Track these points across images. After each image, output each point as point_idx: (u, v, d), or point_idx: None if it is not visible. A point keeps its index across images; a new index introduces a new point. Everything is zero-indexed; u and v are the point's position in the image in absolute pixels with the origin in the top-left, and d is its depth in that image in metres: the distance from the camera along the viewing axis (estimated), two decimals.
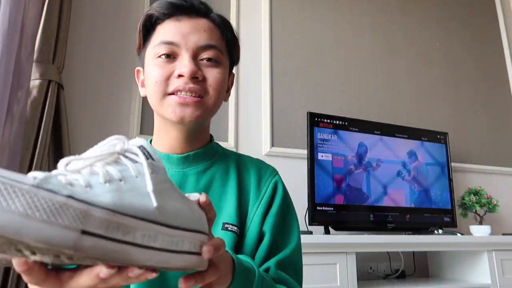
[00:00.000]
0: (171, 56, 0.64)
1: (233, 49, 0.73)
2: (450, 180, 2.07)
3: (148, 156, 0.38)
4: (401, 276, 1.94)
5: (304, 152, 1.80)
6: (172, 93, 0.63)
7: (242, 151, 1.82)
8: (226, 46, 0.70)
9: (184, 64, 0.63)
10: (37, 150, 1.39)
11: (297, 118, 1.99)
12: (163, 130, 0.68)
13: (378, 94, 2.25)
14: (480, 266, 1.80)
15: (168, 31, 0.65)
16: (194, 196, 0.42)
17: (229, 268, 0.49)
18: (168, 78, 0.63)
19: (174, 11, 0.66)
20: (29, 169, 1.35)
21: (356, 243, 1.53)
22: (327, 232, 1.69)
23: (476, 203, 2.05)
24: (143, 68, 0.70)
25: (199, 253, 0.38)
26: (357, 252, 1.56)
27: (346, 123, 1.87)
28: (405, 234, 1.82)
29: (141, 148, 0.38)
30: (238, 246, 0.66)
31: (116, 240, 0.30)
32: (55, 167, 0.35)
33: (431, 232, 1.90)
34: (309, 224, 1.66)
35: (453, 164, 2.20)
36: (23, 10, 1.32)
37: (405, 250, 1.88)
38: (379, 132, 1.94)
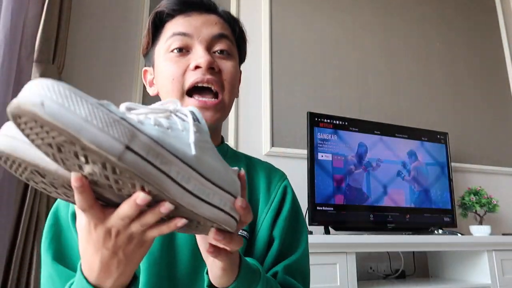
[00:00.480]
0: (183, 50, 0.63)
1: (242, 45, 0.73)
2: (450, 180, 2.07)
3: (195, 119, 0.42)
4: (401, 276, 1.94)
5: (304, 152, 1.80)
6: (191, 93, 0.62)
7: (242, 151, 1.81)
8: (236, 40, 0.71)
9: (200, 55, 0.62)
10: None
11: (297, 118, 1.99)
12: None
13: (378, 94, 2.25)
14: (480, 266, 1.80)
15: (180, 24, 0.65)
16: (235, 168, 0.45)
17: (236, 263, 0.49)
18: (184, 72, 0.62)
19: (183, 7, 0.66)
20: None
21: (356, 243, 1.53)
22: (327, 232, 1.69)
23: (476, 203, 2.05)
24: (152, 67, 0.69)
25: (228, 213, 0.41)
26: (357, 252, 1.56)
27: (346, 123, 1.87)
28: (405, 234, 1.82)
29: (191, 112, 0.42)
30: (248, 250, 0.66)
31: (153, 165, 0.34)
32: None
33: (431, 232, 1.90)
34: (309, 224, 1.66)
35: (453, 164, 2.20)
36: (24, 10, 1.32)
37: (405, 250, 1.88)
38: (379, 132, 1.94)
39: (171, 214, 0.39)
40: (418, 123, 2.25)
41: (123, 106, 0.38)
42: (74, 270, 0.55)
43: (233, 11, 2.02)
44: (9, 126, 0.38)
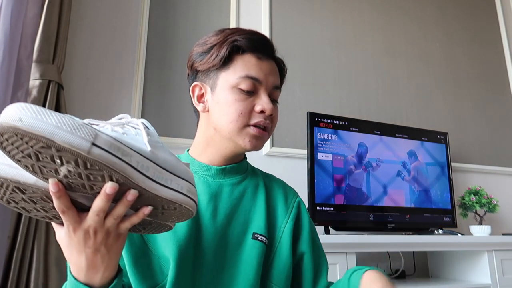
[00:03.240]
0: (250, 92, 0.73)
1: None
2: (450, 180, 2.07)
3: (146, 127, 0.51)
4: (401, 276, 1.93)
5: (304, 152, 1.80)
6: (252, 125, 0.73)
7: None
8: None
9: (266, 102, 0.73)
10: None
11: (297, 118, 1.99)
12: (214, 147, 0.76)
13: (378, 94, 2.25)
14: (480, 266, 1.80)
15: (252, 66, 0.73)
16: (186, 163, 0.55)
17: None
18: (250, 112, 0.72)
19: (256, 48, 0.74)
20: None
21: (356, 243, 1.53)
22: (327, 232, 1.69)
23: (476, 203, 2.05)
24: (209, 86, 0.76)
25: (185, 195, 0.49)
26: (357, 252, 1.56)
27: (346, 123, 1.87)
28: (405, 234, 1.82)
29: (142, 122, 0.51)
30: (268, 255, 0.75)
31: (116, 156, 0.42)
32: None
33: (431, 232, 1.90)
34: None
35: (453, 164, 2.20)
36: (24, 10, 1.32)
37: (405, 250, 1.88)
38: (379, 132, 1.94)
39: (138, 205, 0.47)
40: (418, 123, 2.25)
41: (86, 121, 0.46)
42: None
43: (233, 11, 2.02)
44: None
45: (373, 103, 2.22)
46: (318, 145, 1.76)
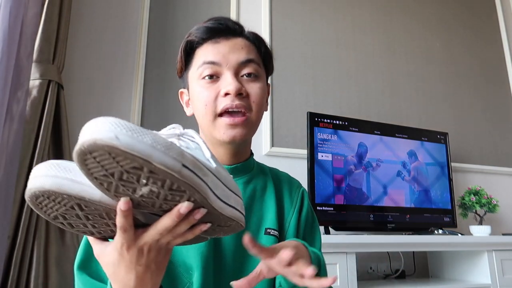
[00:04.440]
0: (214, 77, 0.69)
1: (269, 62, 0.78)
2: (450, 180, 2.06)
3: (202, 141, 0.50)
4: (401, 276, 1.93)
5: (304, 152, 1.80)
6: (221, 114, 0.68)
7: None
8: (262, 60, 0.76)
9: (228, 82, 0.68)
10: (37, 150, 1.39)
11: (297, 118, 1.99)
12: (210, 145, 0.73)
13: (378, 94, 2.25)
14: (480, 266, 1.80)
15: (209, 52, 0.70)
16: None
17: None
18: (215, 98, 0.68)
19: (211, 35, 0.71)
20: (29, 169, 1.35)
21: (356, 243, 1.53)
22: (327, 232, 1.69)
23: (476, 203, 2.04)
24: (187, 89, 0.75)
25: (239, 211, 0.48)
26: (357, 252, 1.56)
27: (346, 123, 1.87)
28: (405, 234, 1.82)
29: (195, 133, 0.50)
30: None
31: (199, 177, 0.41)
32: None
33: (431, 232, 1.90)
34: None
35: (453, 164, 2.20)
36: (23, 9, 1.32)
37: (405, 250, 1.88)
38: (379, 132, 1.94)
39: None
40: (418, 123, 2.25)
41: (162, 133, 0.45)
42: (97, 278, 0.63)
43: (233, 11, 2.02)
44: (43, 167, 0.42)
45: (373, 103, 2.22)
46: (318, 145, 1.76)
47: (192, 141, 0.47)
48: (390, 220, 1.85)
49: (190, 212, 0.43)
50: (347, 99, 2.15)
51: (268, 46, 0.79)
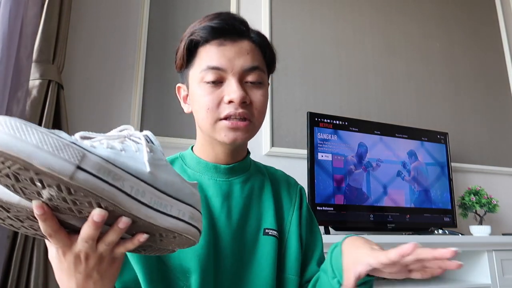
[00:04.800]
0: (217, 82, 0.67)
1: (272, 64, 0.77)
2: (450, 180, 2.06)
3: (149, 141, 0.46)
4: None
5: (304, 152, 1.80)
6: (224, 118, 0.67)
7: None
8: (266, 64, 0.74)
9: (233, 90, 0.66)
10: None
11: (297, 118, 1.99)
12: (209, 146, 0.73)
13: (378, 94, 2.25)
14: (480, 266, 1.80)
15: (213, 55, 0.67)
16: (194, 182, 0.50)
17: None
18: (218, 104, 0.67)
19: (217, 35, 0.68)
20: None
21: None
22: (327, 232, 1.69)
23: (476, 203, 2.04)
24: (186, 86, 0.73)
25: (187, 222, 0.44)
26: None
27: (346, 123, 1.87)
28: (405, 234, 1.82)
29: (145, 135, 0.46)
30: (280, 248, 0.73)
31: (105, 181, 0.37)
32: None
33: (431, 232, 1.90)
34: None
35: (453, 164, 2.20)
36: (23, 9, 1.32)
37: None
38: (379, 132, 1.94)
39: (134, 231, 0.42)
40: (418, 123, 2.25)
41: (77, 135, 0.41)
42: None
43: (233, 11, 2.02)
44: None
45: (373, 103, 2.22)
46: (318, 145, 1.76)
47: (137, 143, 0.44)
48: (390, 220, 1.85)
49: (116, 220, 0.40)
50: (347, 99, 2.15)
51: (273, 48, 0.78)
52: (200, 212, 0.47)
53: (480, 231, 1.95)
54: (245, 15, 2.06)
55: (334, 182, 1.76)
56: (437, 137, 2.10)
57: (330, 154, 1.78)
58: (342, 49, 2.22)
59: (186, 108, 0.76)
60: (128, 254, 0.65)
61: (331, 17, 2.24)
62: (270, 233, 0.72)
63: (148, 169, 0.41)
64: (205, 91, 0.67)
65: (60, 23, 1.54)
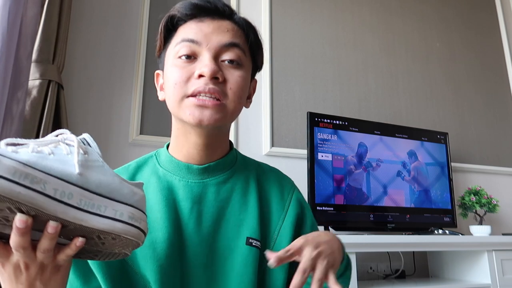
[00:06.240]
0: (191, 57, 0.62)
1: (257, 53, 0.70)
2: (450, 180, 2.06)
3: (85, 143, 0.45)
4: (401, 276, 1.93)
5: (304, 152, 1.79)
6: (191, 95, 0.60)
7: (242, 151, 1.81)
8: (249, 49, 0.68)
9: (204, 64, 0.60)
10: None
11: (297, 118, 1.99)
12: (182, 135, 0.66)
13: (378, 94, 2.25)
14: (480, 266, 1.79)
15: (191, 30, 0.63)
16: (138, 182, 0.48)
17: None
18: (188, 79, 0.61)
19: (197, 12, 0.64)
20: None
21: (356, 243, 1.53)
22: None
23: (476, 203, 2.04)
24: (163, 71, 0.68)
25: (127, 223, 0.42)
26: (357, 252, 1.56)
27: (346, 123, 1.87)
28: (405, 234, 1.82)
29: (82, 138, 0.45)
30: (261, 260, 0.63)
31: (21, 185, 0.35)
32: None
33: (431, 232, 1.90)
34: None
35: (453, 164, 2.20)
36: (23, 9, 1.32)
37: (405, 250, 1.88)
38: (379, 132, 1.94)
39: (71, 235, 0.41)
40: (418, 123, 2.25)
41: (2, 143, 0.40)
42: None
43: None
44: None
45: (373, 103, 2.22)
46: (318, 145, 1.76)
47: (70, 145, 0.43)
48: (390, 220, 1.85)
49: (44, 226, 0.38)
50: (347, 99, 2.15)
51: (260, 35, 0.70)
52: (143, 212, 0.45)
53: (480, 231, 1.94)
54: (245, 15, 2.05)
55: (334, 182, 1.76)
56: (437, 137, 2.10)
57: (330, 154, 1.78)
58: (342, 49, 2.22)
59: (161, 96, 0.70)
60: (90, 263, 0.60)
61: (331, 17, 2.24)
62: (254, 244, 0.63)
63: (77, 170, 0.40)
64: (177, 66, 0.62)
65: (60, 23, 1.54)
